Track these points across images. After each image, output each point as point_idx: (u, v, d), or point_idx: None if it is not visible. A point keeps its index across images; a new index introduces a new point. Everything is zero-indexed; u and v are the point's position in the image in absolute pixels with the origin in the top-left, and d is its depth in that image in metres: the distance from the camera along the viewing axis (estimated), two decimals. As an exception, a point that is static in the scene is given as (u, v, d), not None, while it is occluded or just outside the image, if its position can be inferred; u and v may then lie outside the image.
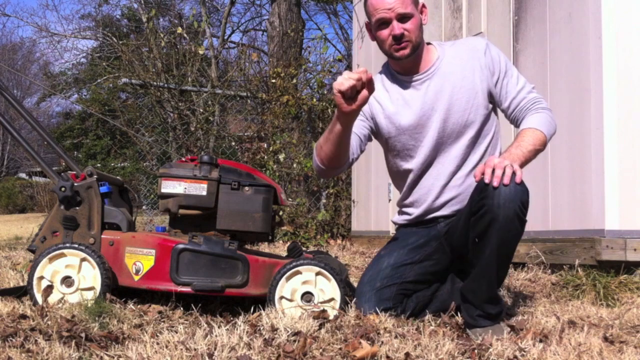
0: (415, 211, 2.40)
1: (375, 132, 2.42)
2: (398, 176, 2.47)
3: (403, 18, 2.23)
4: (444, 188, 2.33)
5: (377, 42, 2.33)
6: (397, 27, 2.23)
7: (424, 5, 2.33)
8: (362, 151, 2.41)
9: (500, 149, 2.39)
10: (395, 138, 2.37)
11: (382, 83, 2.40)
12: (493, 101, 2.36)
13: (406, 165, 2.39)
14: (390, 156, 2.46)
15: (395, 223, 2.55)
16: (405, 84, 2.37)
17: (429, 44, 2.39)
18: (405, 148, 2.37)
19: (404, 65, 2.34)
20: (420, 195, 2.38)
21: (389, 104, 2.36)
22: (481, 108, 2.30)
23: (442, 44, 2.41)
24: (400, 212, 2.50)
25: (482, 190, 1.99)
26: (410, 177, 2.39)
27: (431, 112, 2.31)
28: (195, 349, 1.74)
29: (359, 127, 2.36)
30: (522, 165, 2.07)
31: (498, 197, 1.95)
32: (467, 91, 2.30)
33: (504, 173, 1.95)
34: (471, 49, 2.35)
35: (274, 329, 1.94)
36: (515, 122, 2.30)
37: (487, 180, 1.96)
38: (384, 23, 2.25)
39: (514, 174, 1.96)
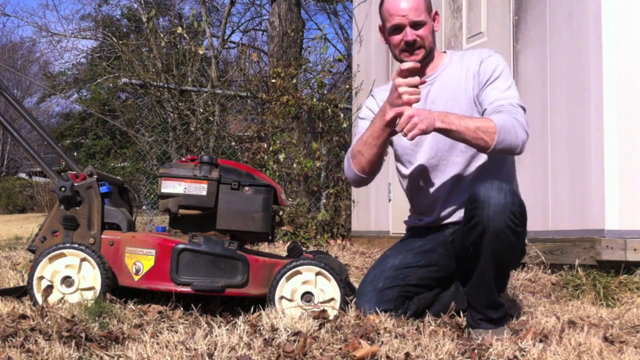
0: (425, 219, 2.42)
1: None
2: (403, 184, 2.49)
3: (416, 25, 2.28)
4: (449, 196, 2.33)
5: (389, 46, 2.36)
6: (409, 34, 2.28)
7: (436, 13, 2.38)
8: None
9: (511, 160, 2.37)
10: (397, 142, 2.41)
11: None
12: None
13: (406, 171, 2.42)
14: (396, 163, 2.50)
15: (406, 224, 2.56)
16: None
17: (444, 52, 2.44)
18: (405, 153, 2.40)
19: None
20: (427, 204, 2.39)
21: None
22: (476, 115, 2.28)
23: (453, 53, 2.43)
24: (411, 216, 2.53)
25: (473, 200, 2.01)
26: (413, 183, 2.41)
27: None
28: (195, 349, 1.74)
29: None
30: (445, 130, 2.04)
31: (488, 209, 1.96)
32: (463, 98, 2.30)
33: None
34: (473, 58, 2.35)
35: (274, 329, 1.94)
36: None
37: (398, 129, 2.00)
38: (398, 29, 2.30)
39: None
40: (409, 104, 2.04)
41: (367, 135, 2.22)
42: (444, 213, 2.35)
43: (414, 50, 2.29)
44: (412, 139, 1.99)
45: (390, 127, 2.14)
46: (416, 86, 2.05)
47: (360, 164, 2.28)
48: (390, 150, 2.59)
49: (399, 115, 2.05)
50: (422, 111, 2.03)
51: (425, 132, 2.00)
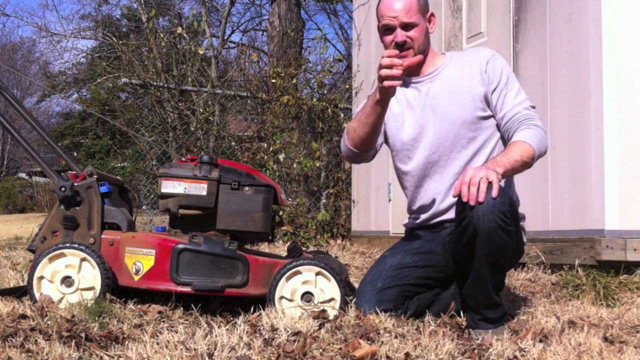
0: (423, 215, 2.42)
1: (385, 131, 2.46)
2: (402, 181, 2.49)
3: (407, 26, 2.29)
4: (449, 191, 2.33)
5: (384, 46, 2.37)
6: (399, 35, 2.30)
7: (432, 14, 2.38)
8: (381, 144, 2.45)
9: None
10: (396, 137, 2.41)
11: None
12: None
13: (405, 167, 2.41)
14: (393, 158, 2.49)
15: (404, 226, 2.56)
16: (409, 85, 2.42)
17: (442, 54, 2.45)
18: (405, 148, 2.40)
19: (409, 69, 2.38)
20: (426, 200, 2.39)
21: (395, 104, 2.41)
22: (479, 111, 2.30)
23: (452, 54, 2.46)
24: (409, 217, 2.53)
25: (462, 202, 2.01)
26: (411, 180, 2.41)
27: (430, 114, 2.34)
28: (195, 349, 1.74)
29: None
30: (505, 174, 2.05)
31: (476, 211, 1.97)
32: (465, 94, 2.31)
33: (479, 189, 1.94)
34: (475, 56, 2.37)
35: (274, 329, 1.94)
36: (507, 134, 2.27)
37: (464, 199, 1.96)
38: (389, 29, 2.32)
39: (490, 184, 1.95)
40: (391, 77, 2.05)
41: (361, 114, 2.27)
42: (441, 209, 2.35)
43: (403, 51, 2.30)
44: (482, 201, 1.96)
45: (379, 106, 2.18)
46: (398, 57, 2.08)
47: (353, 140, 2.33)
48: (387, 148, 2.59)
49: (383, 93, 2.11)
50: (475, 170, 1.99)
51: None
